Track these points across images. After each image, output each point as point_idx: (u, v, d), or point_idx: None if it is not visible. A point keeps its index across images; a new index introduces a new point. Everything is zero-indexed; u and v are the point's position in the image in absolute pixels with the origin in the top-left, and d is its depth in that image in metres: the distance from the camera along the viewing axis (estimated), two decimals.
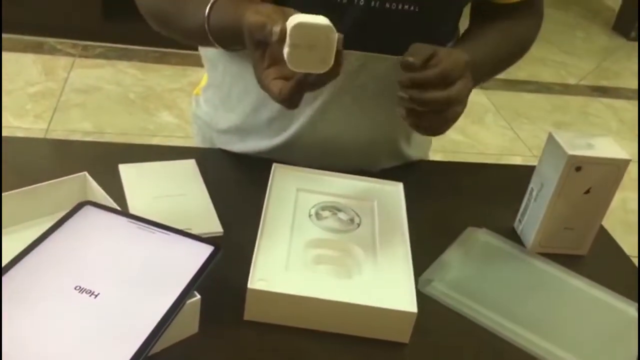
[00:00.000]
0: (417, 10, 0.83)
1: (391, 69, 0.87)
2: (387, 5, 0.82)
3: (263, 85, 0.67)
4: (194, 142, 1.09)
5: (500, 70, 0.95)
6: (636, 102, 3.35)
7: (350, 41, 0.84)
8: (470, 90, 0.78)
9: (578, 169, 0.80)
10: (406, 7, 0.82)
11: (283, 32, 0.61)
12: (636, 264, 0.90)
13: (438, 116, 0.75)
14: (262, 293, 0.66)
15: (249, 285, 0.66)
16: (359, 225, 0.80)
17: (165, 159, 0.92)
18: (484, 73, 0.87)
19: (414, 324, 0.68)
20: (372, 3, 0.81)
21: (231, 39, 0.75)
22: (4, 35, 2.86)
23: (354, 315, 0.67)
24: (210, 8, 0.75)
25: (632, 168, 2.79)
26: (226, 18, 0.74)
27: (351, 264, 0.74)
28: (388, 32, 0.85)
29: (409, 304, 0.68)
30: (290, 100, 0.66)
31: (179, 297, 0.60)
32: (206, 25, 0.76)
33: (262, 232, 0.74)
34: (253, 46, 0.66)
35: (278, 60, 0.65)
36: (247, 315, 0.68)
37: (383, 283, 0.71)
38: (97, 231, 0.67)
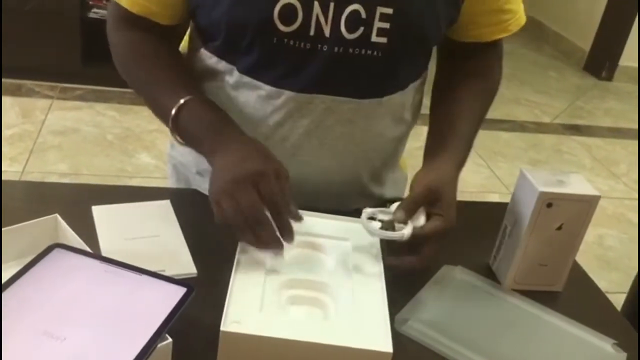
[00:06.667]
0: (379, 54, 0.84)
1: (356, 111, 0.89)
2: (351, 50, 0.83)
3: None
4: (169, 182, 1.09)
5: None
6: (609, 140, 3.42)
7: (316, 86, 0.86)
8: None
9: (549, 205, 0.81)
10: (369, 52, 0.84)
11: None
12: (612, 300, 0.90)
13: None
14: (236, 335, 0.65)
15: (222, 327, 0.65)
16: (334, 264, 0.79)
17: (140, 200, 0.92)
18: (467, 155, 0.94)
19: None
20: (336, 49, 0.83)
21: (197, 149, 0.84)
22: None
23: (329, 357, 0.67)
24: (179, 109, 0.82)
25: (608, 205, 2.83)
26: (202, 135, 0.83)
27: (326, 304, 0.74)
28: (352, 76, 0.86)
29: (384, 343, 0.67)
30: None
31: (150, 340, 0.59)
32: (170, 123, 0.83)
33: (236, 273, 0.74)
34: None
35: None
36: (221, 359, 0.67)
37: (358, 323, 0.70)
38: (66, 274, 0.66)
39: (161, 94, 0.86)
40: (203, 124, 0.83)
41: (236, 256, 0.76)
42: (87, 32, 2.93)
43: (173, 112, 0.82)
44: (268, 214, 0.74)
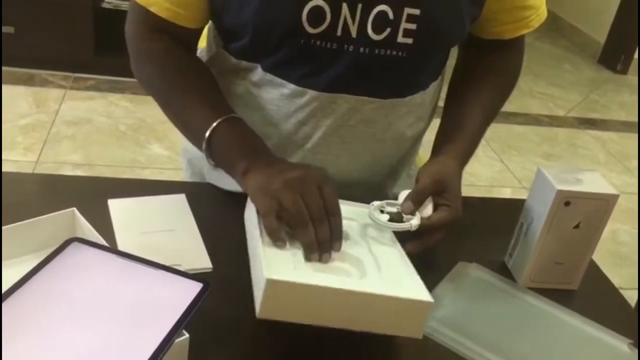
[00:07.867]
0: (404, 55, 0.84)
1: (379, 111, 0.88)
2: (376, 51, 0.83)
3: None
4: (184, 176, 1.09)
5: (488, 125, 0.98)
6: (624, 134, 3.39)
7: (340, 85, 0.86)
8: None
9: (567, 203, 0.80)
10: (394, 52, 0.84)
11: None
12: (625, 296, 0.90)
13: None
14: (282, 284, 0.63)
15: (267, 276, 0.62)
16: (348, 236, 0.78)
17: (155, 193, 0.92)
18: (472, 152, 0.93)
19: None
20: (362, 49, 0.83)
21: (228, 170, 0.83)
22: None
23: (371, 307, 0.66)
24: (212, 132, 0.80)
25: (622, 200, 2.79)
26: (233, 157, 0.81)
27: (356, 268, 0.73)
28: (377, 76, 0.86)
29: (424, 295, 0.68)
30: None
31: (167, 336, 0.59)
32: (204, 144, 0.81)
33: (263, 239, 0.71)
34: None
35: None
36: (263, 312, 0.63)
37: (394, 281, 0.70)
38: (84, 268, 0.66)
39: (193, 116, 0.85)
40: (235, 148, 0.82)
41: (258, 227, 0.74)
42: (100, 22, 2.93)
43: (207, 134, 0.81)
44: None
